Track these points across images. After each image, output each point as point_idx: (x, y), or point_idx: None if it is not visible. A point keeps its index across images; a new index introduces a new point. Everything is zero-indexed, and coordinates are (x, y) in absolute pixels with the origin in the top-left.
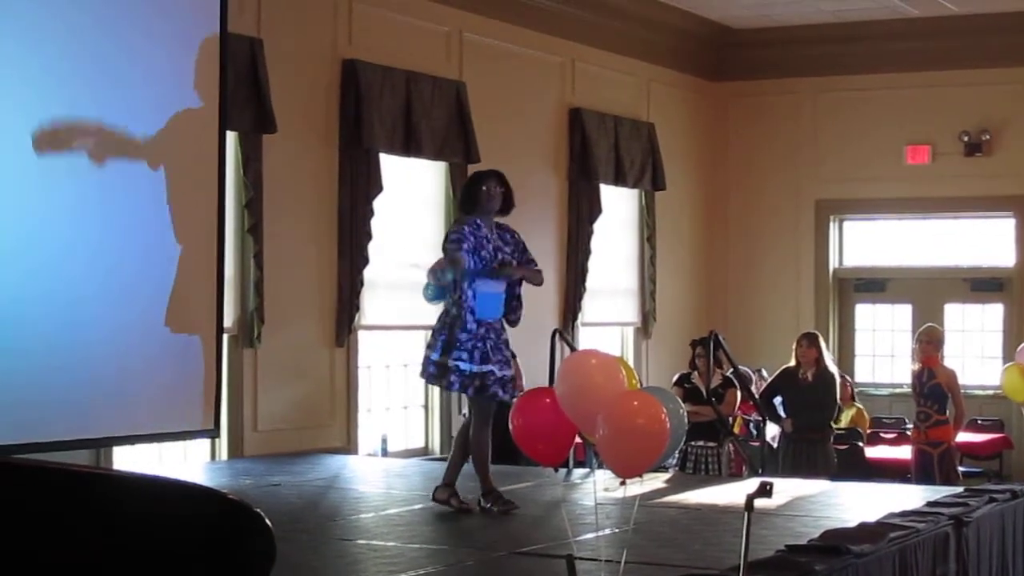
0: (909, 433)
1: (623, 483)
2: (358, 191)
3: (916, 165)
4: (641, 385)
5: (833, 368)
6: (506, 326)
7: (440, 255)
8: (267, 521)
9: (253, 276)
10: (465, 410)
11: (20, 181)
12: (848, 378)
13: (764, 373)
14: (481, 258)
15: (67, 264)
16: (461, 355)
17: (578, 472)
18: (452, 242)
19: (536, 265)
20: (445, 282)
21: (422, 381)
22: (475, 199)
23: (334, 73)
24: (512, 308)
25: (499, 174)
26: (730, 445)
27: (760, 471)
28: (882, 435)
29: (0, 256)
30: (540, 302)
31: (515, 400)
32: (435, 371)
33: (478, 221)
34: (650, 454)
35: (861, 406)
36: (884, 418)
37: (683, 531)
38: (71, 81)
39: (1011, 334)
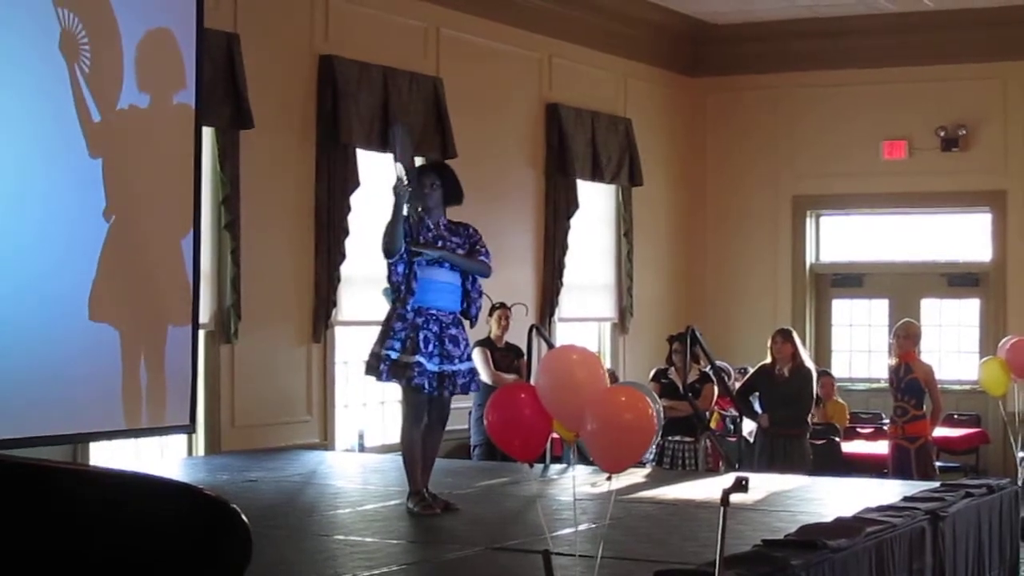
0: (886, 428)
1: (609, 478)
2: (335, 187)
3: (893, 160)
4: (617, 380)
5: (809, 364)
6: (463, 322)
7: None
8: (243, 517)
9: (230, 272)
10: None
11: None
12: (831, 373)
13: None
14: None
15: (38, 258)
16: (393, 344)
17: (555, 468)
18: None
19: (485, 257)
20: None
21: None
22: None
23: (311, 69)
24: (470, 302)
25: (437, 168)
26: (707, 440)
27: (736, 466)
28: (859, 430)
29: None
30: (517, 298)
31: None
32: (370, 361)
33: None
34: (637, 449)
35: (844, 401)
36: (861, 413)
37: (659, 526)
38: (43, 73)
39: (987, 329)
